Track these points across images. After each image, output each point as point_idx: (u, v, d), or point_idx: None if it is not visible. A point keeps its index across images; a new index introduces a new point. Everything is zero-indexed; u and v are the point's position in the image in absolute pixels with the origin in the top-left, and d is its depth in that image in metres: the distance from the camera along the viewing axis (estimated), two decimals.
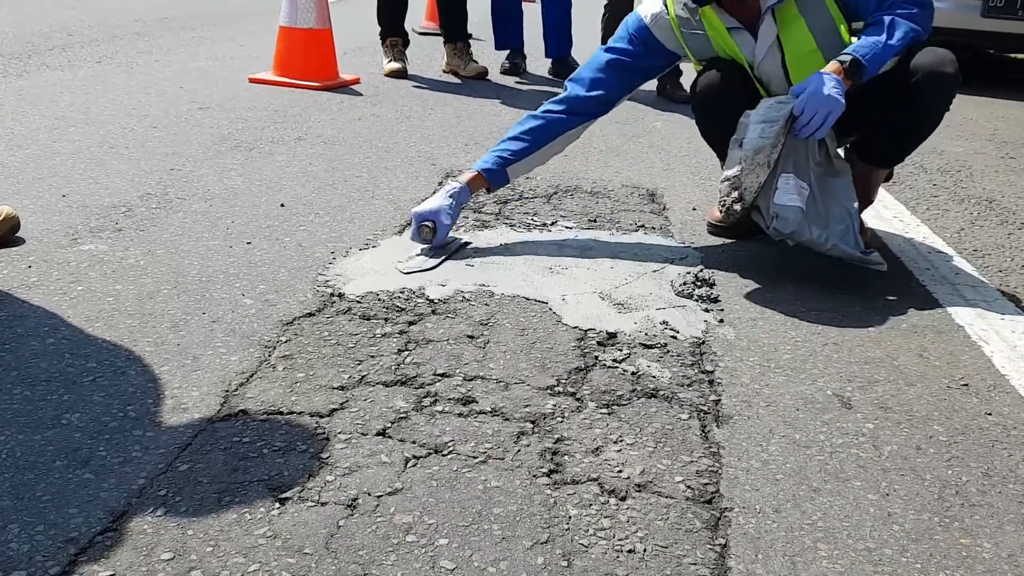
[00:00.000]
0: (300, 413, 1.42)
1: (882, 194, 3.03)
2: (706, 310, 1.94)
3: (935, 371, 1.74)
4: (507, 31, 4.97)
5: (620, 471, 1.32)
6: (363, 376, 1.55)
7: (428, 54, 5.33)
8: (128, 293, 1.81)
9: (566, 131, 2.34)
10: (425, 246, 2.16)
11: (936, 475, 1.39)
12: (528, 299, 1.92)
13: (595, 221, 2.51)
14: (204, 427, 1.36)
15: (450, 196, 2.22)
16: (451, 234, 2.23)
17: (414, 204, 2.31)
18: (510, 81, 4.82)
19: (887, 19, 2.08)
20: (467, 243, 2.24)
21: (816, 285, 2.12)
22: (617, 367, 1.64)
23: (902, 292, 2.14)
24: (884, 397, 1.62)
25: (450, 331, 1.74)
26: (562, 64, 4.99)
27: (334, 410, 1.43)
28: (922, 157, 3.60)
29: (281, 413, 1.41)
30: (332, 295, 1.87)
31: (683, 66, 2.99)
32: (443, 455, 1.33)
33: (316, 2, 4.16)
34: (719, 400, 1.56)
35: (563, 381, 1.58)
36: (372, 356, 1.62)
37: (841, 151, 2.33)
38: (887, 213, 2.83)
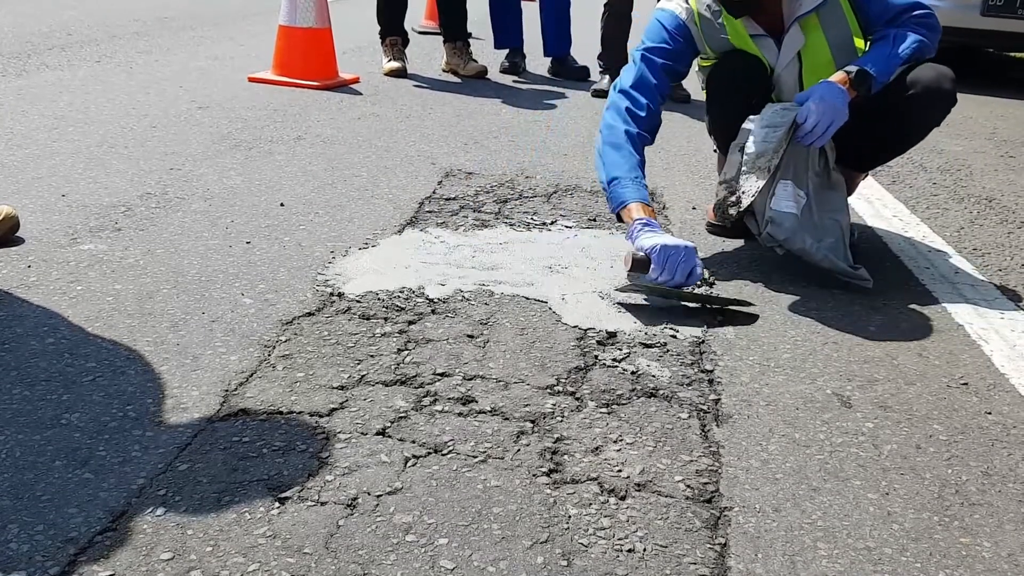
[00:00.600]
0: (300, 413, 1.42)
1: (882, 193, 3.04)
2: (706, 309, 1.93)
3: (935, 370, 1.74)
4: (506, 30, 4.97)
5: (620, 470, 1.32)
6: (363, 376, 1.55)
7: (428, 53, 5.33)
8: (128, 293, 1.81)
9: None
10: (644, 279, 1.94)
11: (936, 474, 1.39)
12: (528, 299, 1.92)
13: (595, 221, 2.51)
14: (204, 427, 1.36)
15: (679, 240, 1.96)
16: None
17: (413, 201, 2.30)
18: (509, 80, 4.82)
19: (894, 32, 2.11)
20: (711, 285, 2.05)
21: (816, 285, 2.12)
22: (617, 366, 1.64)
23: (902, 291, 2.14)
24: (884, 396, 1.62)
25: (450, 330, 1.74)
26: (561, 63, 4.99)
27: (334, 410, 1.43)
28: (922, 156, 3.60)
29: (281, 413, 1.41)
30: (332, 294, 1.87)
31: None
32: (443, 455, 1.33)
33: (316, 1, 4.16)
34: (719, 399, 1.56)
35: (563, 380, 1.58)
36: (372, 355, 1.62)
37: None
38: (887, 212, 2.83)
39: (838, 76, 2.08)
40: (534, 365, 1.63)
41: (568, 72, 4.95)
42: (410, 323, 1.76)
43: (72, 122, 3.15)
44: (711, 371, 1.66)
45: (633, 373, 1.62)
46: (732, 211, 2.10)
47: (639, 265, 1.91)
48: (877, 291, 2.12)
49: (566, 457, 1.35)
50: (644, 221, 2.00)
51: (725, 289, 2.06)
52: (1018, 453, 1.47)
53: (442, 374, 1.57)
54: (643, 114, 2.18)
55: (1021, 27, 5.15)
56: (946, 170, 3.45)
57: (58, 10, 5.99)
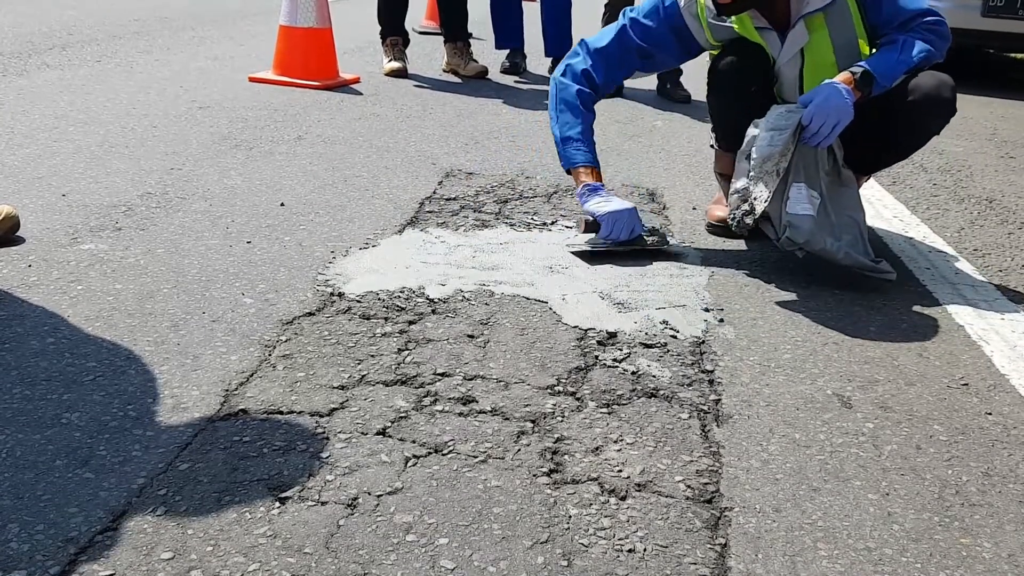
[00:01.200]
0: (300, 412, 1.42)
1: (882, 194, 3.04)
2: (706, 309, 1.94)
3: (935, 371, 1.74)
4: (507, 30, 4.97)
5: (620, 471, 1.32)
6: (363, 375, 1.55)
7: (428, 53, 5.33)
8: (128, 292, 1.81)
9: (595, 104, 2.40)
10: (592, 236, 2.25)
11: (936, 475, 1.39)
12: (528, 299, 1.92)
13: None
14: (204, 426, 1.36)
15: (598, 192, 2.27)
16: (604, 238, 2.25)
17: (414, 201, 2.29)
18: (510, 80, 4.82)
19: (902, 38, 2.11)
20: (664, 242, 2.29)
21: (816, 285, 2.12)
22: (617, 367, 1.64)
23: (902, 292, 2.14)
24: (884, 397, 1.62)
25: (450, 330, 1.74)
26: None
27: (334, 409, 1.43)
28: (922, 157, 3.60)
29: (281, 412, 1.41)
30: (332, 294, 1.87)
31: (683, 66, 2.98)
32: (443, 455, 1.33)
33: (316, 1, 4.16)
34: (719, 400, 1.56)
35: (563, 381, 1.58)
36: (372, 355, 1.62)
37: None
38: (887, 213, 2.83)
39: (843, 76, 2.09)
40: (534, 365, 1.63)
41: None
42: (410, 323, 1.76)
43: (72, 122, 3.15)
44: (711, 371, 1.66)
45: (633, 373, 1.62)
46: (748, 220, 2.08)
47: (590, 227, 2.25)
48: (877, 292, 2.12)
49: (566, 457, 1.35)
50: (592, 187, 2.28)
51: (725, 288, 2.07)
52: (1018, 454, 1.47)
53: (442, 374, 1.57)
54: (599, 81, 2.34)
55: (1022, 28, 5.15)
56: (946, 171, 3.45)
57: (58, 10, 5.99)
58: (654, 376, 1.62)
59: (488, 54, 5.22)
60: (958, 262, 2.40)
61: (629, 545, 1.16)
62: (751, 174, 2.09)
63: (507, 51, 5.04)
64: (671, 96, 4.48)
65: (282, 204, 2.44)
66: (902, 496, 1.32)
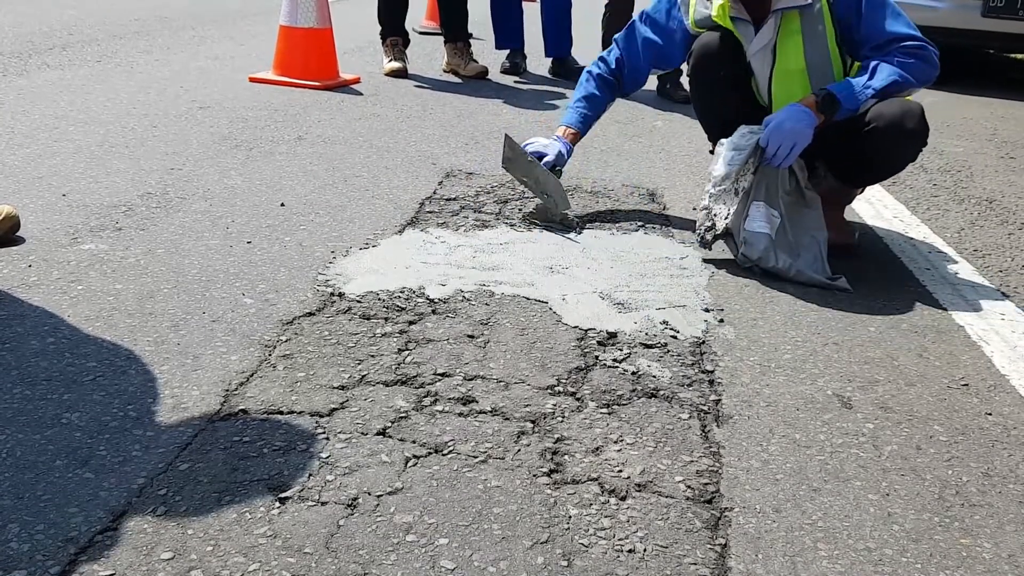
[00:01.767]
0: (300, 413, 1.42)
1: (882, 194, 3.04)
2: (706, 309, 1.94)
3: (935, 371, 1.74)
4: (507, 31, 4.96)
5: (620, 471, 1.32)
6: (363, 376, 1.55)
7: (428, 54, 5.33)
8: (128, 292, 1.81)
9: (614, 95, 2.59)
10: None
11: (936, 475, 1.39)
12: (528, 299, 1.92)
13: (595, 221, 2.51)
14: (204, 426, 1.36)
15: (559, 151, 2.48)
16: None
17: (414, 201, 2.30)
18: (510, 81, 4.81)
19: (873, 63, 2.11)
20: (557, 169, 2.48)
21: (817, 286, 2.12)
22: (617, 367, 1.64)
23: (902, 292, 2.14)
24: (884, 397, 1.62)
25: (450, 331, 1.74)
26: (562, 64, 4.99)
27: (334, 410, 1.43)
28: (922, 157, 3.58)
29: (281, 413, 1.41)
30: (332, 294, 1.87)
31: (684, 66, 2.99)
32: (443, 455, 1.33)
33: (316, 1, 4.15)
34: (719, 400, 1.56)
35: (563, 381, 1.58)
36: (372, 356, 1.62)
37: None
38: (887, 213, 2.83)
39: (807, 99, 2.13)
40: (534, 365, 1.63)
41: (569, 73, 4.95)
42: (411, 323, 1.76)
43: (73, 122, 3.15)
44: (712, 372, 1.66)
45: (634, 374, 1.62)
46: (708, 236, 2.21)
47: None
48: (877, 292, 2.12)
49: (566, 457, 1.35)
50: (555, 137, 2.53)
51: (725, 289, 2.07)
52: (1018, 454, 1.47)
53: (443, 374, 1.57)
54: (613, 64, 2.54)
55: (1022, 28, 5.15)
56: (947, 171, 3.45)
57: (58, 10, 5.99)
58: (654, 376, 1.62)
59: (488, 54, 5.22)
60: (958, 262, 2.40)
61: (629, 545, 1.16)
62: (711, 192, 2.19)
63: (507, 51, 5.04)
64: (671, 96, 4.48)
65: (282, 204, 2.44)
66: (902, 496, 1.32)
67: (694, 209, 2.68)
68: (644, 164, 3.20)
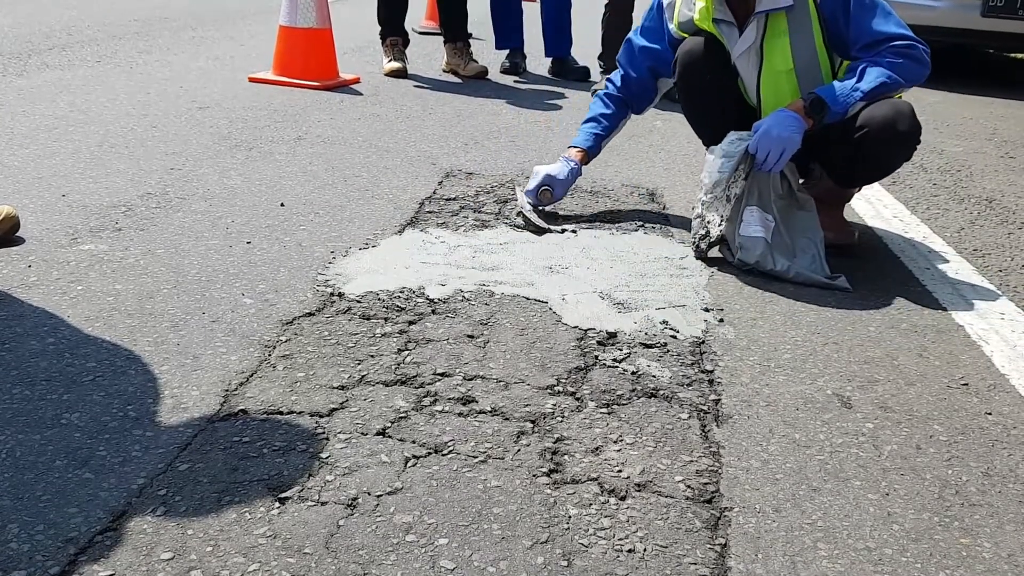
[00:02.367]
0: (300, 413, 1.42)
1: (882, 194, 3.04)
2: (706, 309, 1.94)
3: (935, 371, 1.74)
4: (507, 30, 4.96)
5: (620, 471, 1.32)
6: (363, 376, 1.55)
7: (428, 54, 5.33)
8: (128, 293, 1.81)
9: (628, 112, 2.61)
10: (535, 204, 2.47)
11: (936, 475, 1.39)
12: (528, 299, 1.92)
13: (595, 221, 2.51)
14: (204, 427, 1.36)
15: (567, 162, 2.51)
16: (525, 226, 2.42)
17: (414, 201, 2.30)
18: (510, 80, 4.82)
19: (861, 65, 2.10)
20: (572, 231, 2.42)
21: (816, 285, 2.12)
22: (617, 367, 1.64)
23: (902, 292, 2.14)
24: (884, 397, 1.62)
25: (450, 331, 1.74)
26: (562, 63, 4.99)
27: (334, 410, 1.43)
28: (922, 157, 3.60)
29: (281, 413, 1.41)
30: (332, 295, 1.87)
31: None
32: (443, 455, 1.33)
33: (316, 1, 4.15)
34: (719, 400, 1.56)
35: (563, 381, 1.58)
36: (372, 356, 1.62)
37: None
38: (887, 213, 2.83)
39: (795, 104, 2.13)
40: (534, 365, 1.63)
41: (569, 72, 4.95)
42: (410, 323, 1.76)
43: (72, 122, 3.15)
44: (711, 371, 1.66)
45: (633, 373, 1.62)
46: (703, 244, 2.22)
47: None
48: (877, 291, 2.12)
49: (566, 457, 1.35)
50: (566, 157, 2.54)
51: (725, 288, 2.07)
52: (1018, 454, 1.47)
53: (442, 374, 1.57)
54: (619, 82, 2.56)
55: (1021, 28, 5.15)
56: (946, 171, 3.45)
57: (58, 10, 5.99)
58: (654, 376, 1.62)
59: (488, 54, 5.22)
60: (958, 262, 2.40)
61: (629, 545, 1.16)
62: (703, 199, 2.21)
63: (507, 51, 5.04)
64: (671, 96, 4.47)
65: (282, 204, 2.44)
66: (902, 496, 1.32)
67: (693, 209, 2.69)
68: (644, 164, 3.20)
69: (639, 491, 1.28)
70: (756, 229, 2.14)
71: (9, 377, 1.45)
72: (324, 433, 1.36)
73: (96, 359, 1.53)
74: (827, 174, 2.36)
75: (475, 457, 1.33)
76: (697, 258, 2.24)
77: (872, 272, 2.25)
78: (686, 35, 2.36)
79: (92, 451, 1.27)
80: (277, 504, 1.19)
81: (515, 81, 4.81)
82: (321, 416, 1.41)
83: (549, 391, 1.54)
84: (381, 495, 1.23)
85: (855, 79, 2.09)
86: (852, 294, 2.09)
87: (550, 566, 1.11)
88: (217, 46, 5.19)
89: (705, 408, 1.53)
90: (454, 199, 2.60)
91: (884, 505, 1.30)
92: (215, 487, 1.22)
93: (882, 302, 2.06)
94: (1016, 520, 1.29)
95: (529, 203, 2.46)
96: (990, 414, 1.59)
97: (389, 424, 1.40)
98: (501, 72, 4.95)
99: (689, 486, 1.30)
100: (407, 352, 1.64)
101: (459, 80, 4.69)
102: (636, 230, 2.45)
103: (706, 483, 1.31)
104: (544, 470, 1.31)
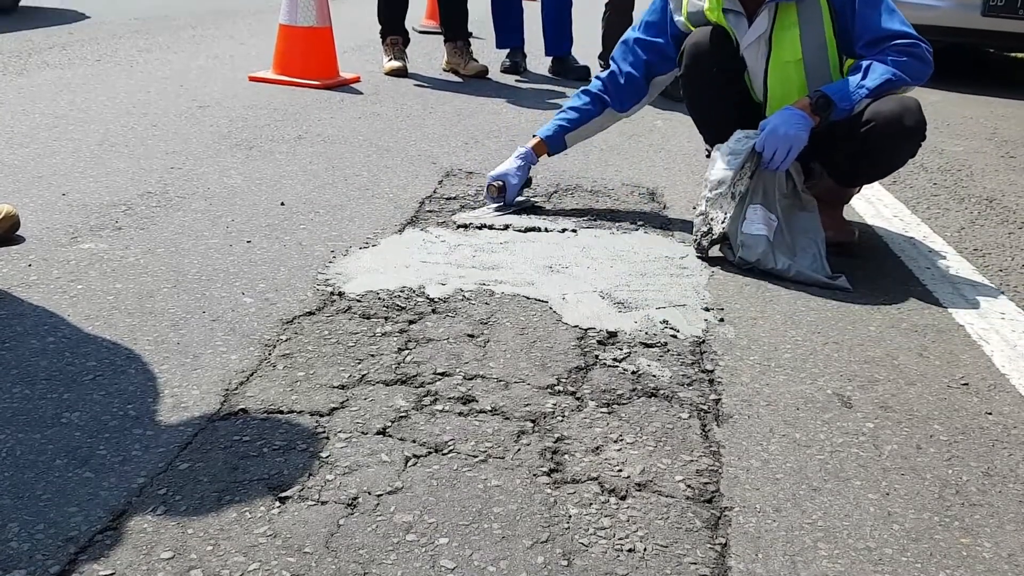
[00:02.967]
0: (300, 412, 1.42)
1: (882, 193, 3.04)
2: (706, 309, 1.94)
3: (935, 371, 1.74)
4: (507, 30, 4.96)
5: (620, 470, 1.32)
6: (363, 375, 1.55)
7: (428, 53, 5.33)
8: (128, 292, 1.81)
9: (606, 110, 2.55)
10: (492, 204, 2.50)
11: (936, 475, 1.39)
12: (528, 298, 1.92)
13: (595, 220, 2.50)
14: (204, 426, 1.36)
15: (518, 159, 2.52)
16: (491, 208, 2.49)
17: (414, 200, 2.31)
18: (510, 80, 4.81)
19: (866, 63, 2.11)
20: (534, 204, 2.53)
21: (817, 285, 2.12)
22: (617, 366, 1.64)
23: (902, 292, 2.14)
24: (884, 396, 1.62)
25: (450, 330, 1.74)
26: (562, 63, 4.99)
27: (334, 409, 1.43)
28: (922, 156, 3.59)
29: (281, 412, 1.41)
30: (332, 294, 1.87)
31: None
32: (443, 454, 1.33)
33: (316, 0, 4.15)
34: (719, 399, 1.56)
35: (563, 380, 1.58)
36: (372, 355, 1.62)
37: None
38: (887, 212, 2.83)
39: (802, 102, 2.13)
40: (534, 365, 1.63)
41: (569, 72, 4.95)
42: (411, 322, 1.76)
43: (73, 121, 3.15)
44: (712, 371, 1.66)
45: (634, 373, 1.62)
46: (705, 242, 2.22)
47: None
48: (877, 291, 2.12)
49: (566, 457, 1.35)
50: (517, 151, 2.56)
51: (725, 288, 2.07)
52: (1019, 453, 1.47)
53: (442, 374, 1.57)
54: (604, 78, 2.54)
55: (1022, 28, 5.14)
56: (947, 170, 3.45)
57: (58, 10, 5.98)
58: (654, 376, 1.62)
59: (488, 53, 5.22)
60: (958, 262, 2.40)
61: (629, 545, 1.16)
62: (708, 197, 2.20)
63: (507, 50, 5.04)
64: (671, 95, 4.47)
65: (282, 203, 2.44)
66: (902, 496, 1.32)
67: (693, 208, 2.68)
68: (644, 163, 3.20)
69: (639, 491, 1.28)
70: (759, 227, 2.14)
71: (9, 376, 1.45)
72: (324, 432, 1.36)
73: (96, 358, 1.53)
74: (828, 173, 2.36)
75: (475, 456, 1.33)
76: (698, 256, 2.23)
77: (872, 272, 2.25)
78: (692, 28, 2.36)
79: (92, 450, 1.27)
80: (277, 503, 1.19)
81: (515, 80, 4.81)
82: (321, 415, 1.41)
83: (549, 390, 1.54)
84: (381, 494, 1.23)
85: (860, 76, 2.10)
86: (852, 294, 2.09)
87: (550, 565, 1.11)
88: (217, 45, 5.19)
89: (705, 408, 1.53)
90: (454, 198, 2.60)
91: (884, 505, 1.30)
92: (215, 486, 1.22)
93: (882, 302, 2.06)
94: (1016, 520, 1.29)
95: (490, 206, 2.50)
96: (990, 414, 1.59)
97: (389, 423, 1.40)
98: (501, 71, 4.95)
99: (689, 486, 1.30)
100: (407, 351, 1.64)
101: (459, 79, 4.68)
102: (636, 229, 2.45)
103: (706, 483, 1.31)
104: (544, 469, 1.31)
